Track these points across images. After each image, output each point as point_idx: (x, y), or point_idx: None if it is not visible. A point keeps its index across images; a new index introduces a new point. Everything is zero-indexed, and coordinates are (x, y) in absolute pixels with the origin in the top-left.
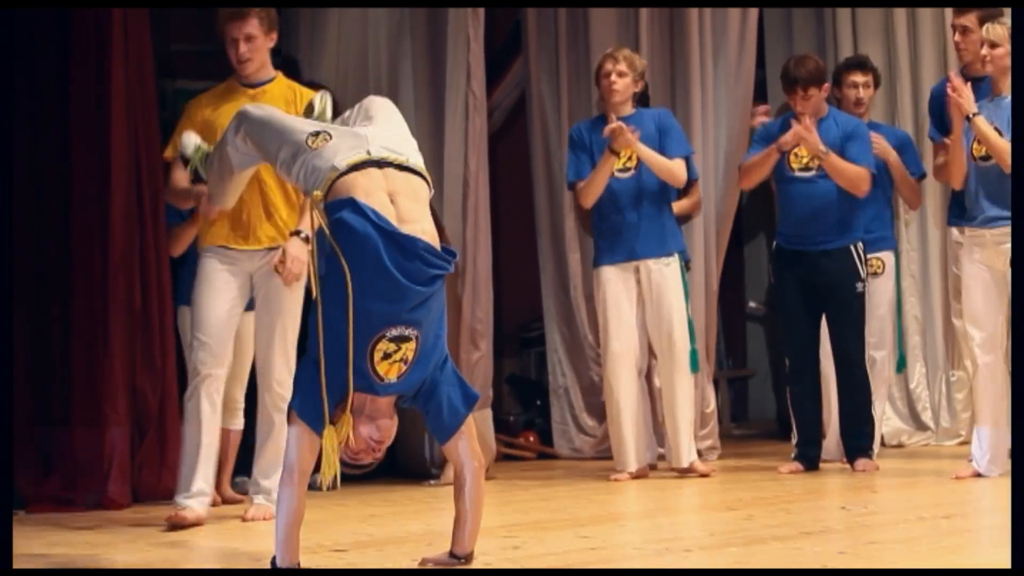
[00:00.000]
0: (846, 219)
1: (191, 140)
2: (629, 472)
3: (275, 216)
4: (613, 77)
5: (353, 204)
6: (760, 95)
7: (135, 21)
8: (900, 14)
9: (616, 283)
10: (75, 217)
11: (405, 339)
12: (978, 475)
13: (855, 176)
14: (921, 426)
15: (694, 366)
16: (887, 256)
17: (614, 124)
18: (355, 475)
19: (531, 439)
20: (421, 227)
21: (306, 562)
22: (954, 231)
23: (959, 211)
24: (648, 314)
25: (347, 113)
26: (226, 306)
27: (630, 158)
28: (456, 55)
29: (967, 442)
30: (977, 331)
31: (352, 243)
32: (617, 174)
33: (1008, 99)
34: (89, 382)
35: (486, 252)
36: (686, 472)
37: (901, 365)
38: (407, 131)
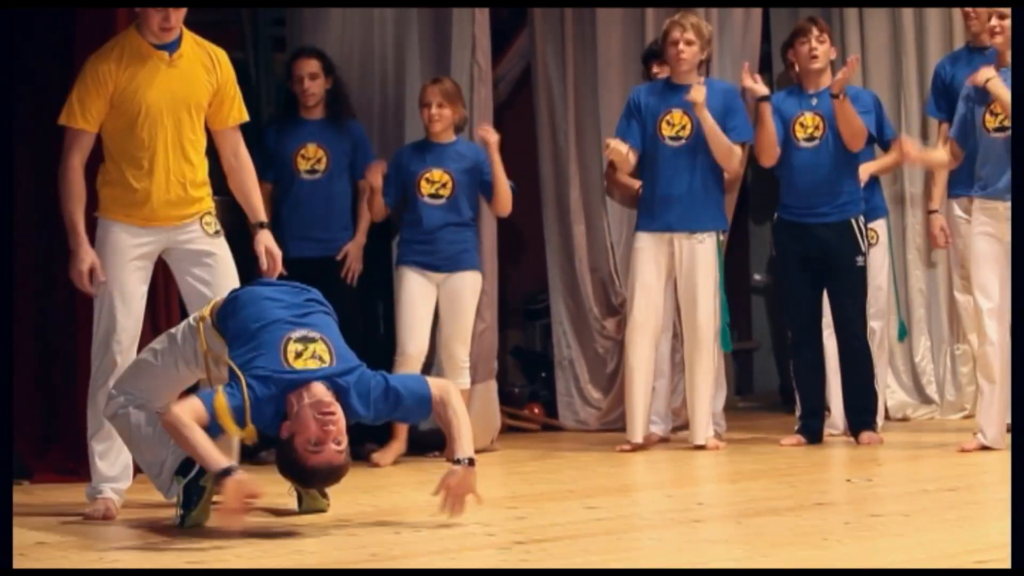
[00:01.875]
0: (847, 191)
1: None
2: (634, 443)
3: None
4: (681, 46)
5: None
6: (765, 70)
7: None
8: None
9: (648, 252)
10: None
11: (311, 340)
12: (983, 448)
13: (859, 129)
14: (926, 399)
15: (726, 344)
16: (880, 225)
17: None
18: (340, 469)
19: (536, 411)
20: None
21: (319, 533)
22: (955, 204)
23: (966, 182)
24: (680, 288)
25: None
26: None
27: (684, 127)
28: (461, 26)
29: (971, 415)
30: (987, 301)
31: (237, 306)
32: (668, 141)
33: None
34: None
35: (491, 224)
36: (700, 448)
37: (902, 333)
38: None
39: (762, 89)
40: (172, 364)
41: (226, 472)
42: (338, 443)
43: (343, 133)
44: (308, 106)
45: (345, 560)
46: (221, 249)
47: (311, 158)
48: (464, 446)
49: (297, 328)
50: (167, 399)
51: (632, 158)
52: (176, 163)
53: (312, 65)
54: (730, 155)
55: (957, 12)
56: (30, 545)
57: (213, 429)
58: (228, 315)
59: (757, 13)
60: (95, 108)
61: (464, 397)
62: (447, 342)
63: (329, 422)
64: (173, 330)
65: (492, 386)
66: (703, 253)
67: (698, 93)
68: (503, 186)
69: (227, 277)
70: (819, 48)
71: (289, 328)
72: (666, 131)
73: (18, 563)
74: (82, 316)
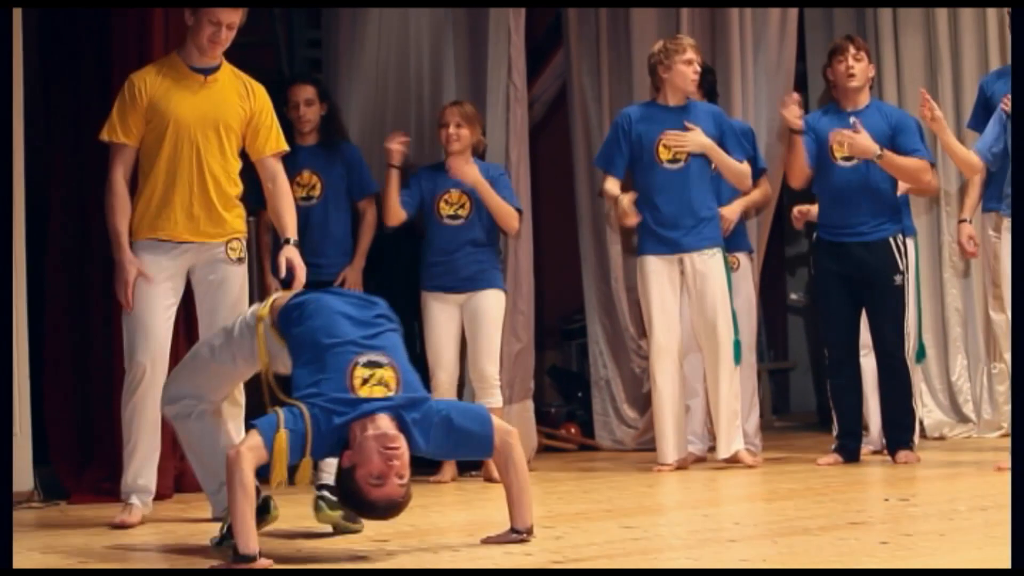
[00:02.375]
0: (886, 210)
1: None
2: (668, 464)
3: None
4: (695, 66)
5: (293, 299)
6: (801, 88)
7: (176, 18)
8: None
9: (659, 274)
10: None
11: (379, 365)
12: None
13: (915, 169)
14: (963, 418)
15: (737, 358)
16: (909, 244)
17: (676, 137)
18: (401, 504)
19: (572, 431)
20: None
21: (345, 549)
22: (987, 221)
23: (996, 197)
24: (692, 306)
25: None
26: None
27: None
28: (497, 47)
29: (1008, 434)
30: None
31: (304, 316)
32: (666, 165)
33: None
34: None
35: (527, 243)
36: (732, 463)
37: (921, 355)
38: None
39: (796, 123)
40: (229, 359)
41: (247, 559)
42: (400, 477)
43: (336, 157)
44: (303, 132)
45: None
46: (237, 277)
47: (305, 185)
48: (524, 515)
49: (365, 352)
50: (227, 391)
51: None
52: (201, 180)
53: (307, 92)
54: (741, 178)
55: (992, 28)
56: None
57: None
58: (293, 322)
59: (792, 30)
60: (133, 122)
61: (497, 415)
62: (475, 361)
63: (393, 456)
64: (229, 325)
65: (529, 406)
66: (714, 267)
67: (698, 136)
68: (498, 208)
69: (232, 307)
70: (856, 66)
71: (357, 352)
72: (664, 155)
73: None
74: (118, 335)
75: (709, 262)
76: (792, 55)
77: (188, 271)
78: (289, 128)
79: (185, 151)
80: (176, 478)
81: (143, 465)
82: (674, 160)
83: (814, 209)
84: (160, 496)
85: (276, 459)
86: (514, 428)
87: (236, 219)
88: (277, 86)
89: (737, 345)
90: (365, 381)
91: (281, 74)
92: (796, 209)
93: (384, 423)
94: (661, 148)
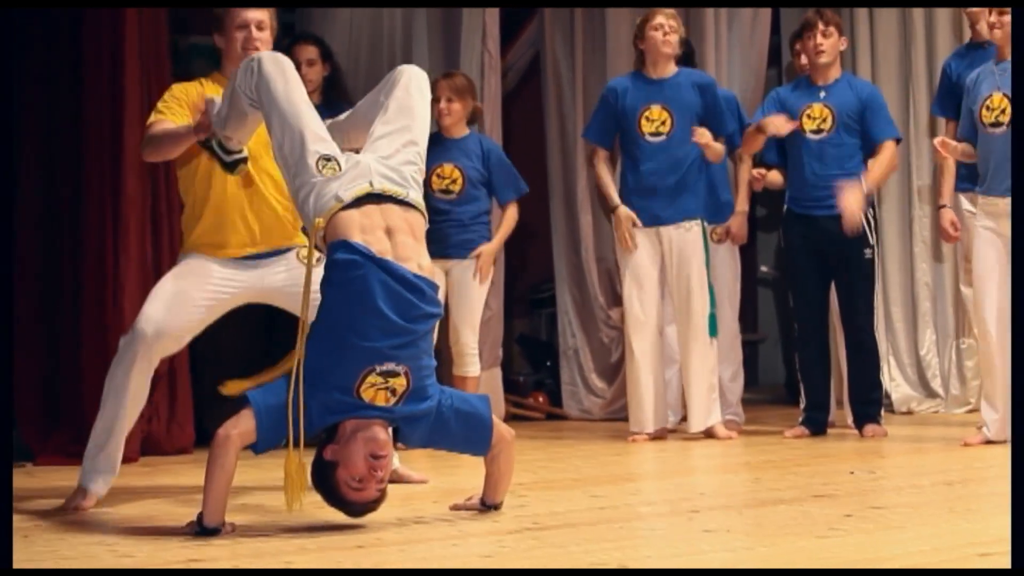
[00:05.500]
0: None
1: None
2: (647, 433)
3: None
4: (669, 32)
5: (348, 246)
6: (774, 61)
7: (149, 16)
8: None
9: (639, 246)
10: (88, 168)
11: (394, 375)
12: (987, 442)
13: (891, 164)
14: (931, 393)
15: (712, 330)
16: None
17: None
18: (376, 504)
19: (540, 400)
20: (418, 263)
21: (320, 515)
22: (963, 197)
23: (970, 177)
24: (669, 278)
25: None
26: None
27: (663, 122)
28: (471, 15)
29: (976, 409)
30: (987, 297)
31: (346, 283)
32: (649, 137)
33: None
34: (99, 334)
35: (497, 213)
36: (707, 436)
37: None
38: (422, 125)
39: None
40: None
41: (212, 532)
42: (380, 481)
43: None
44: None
45: (343, 545)
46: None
47: None
48: (497, 494)
49: (386, 362)
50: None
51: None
52: (247, 197)
53: (310, 51)
54: (720, 158)
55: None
56: (30, 527)
57: (261, 445)
58: (331, 275)
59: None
60: (178, 110)
61: (472, 385)
62: (457, 329)
63: (379, 467)
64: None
65: (497, 374)
66: (691, 241)
67: (701, 136)
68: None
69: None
70: (825, 42)
71: (378, 361)
72: (646, 127)
73: (20, 544)
74: (87, 299)
75: (686, 235)
76: (766, 28)
77: (255, 297)
78: None
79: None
80: (143, 440)
81: (117, 447)
82: (656, 133)
83: (770, 174)
84: (126, 459)
85: (290, 485)
86: (511, 432)
87: (292, 235)
88: None
89: (712, 319)
90: (373, 385)
91: None
92: (755, 171)
93: (377, 430)
94: (644, 120)
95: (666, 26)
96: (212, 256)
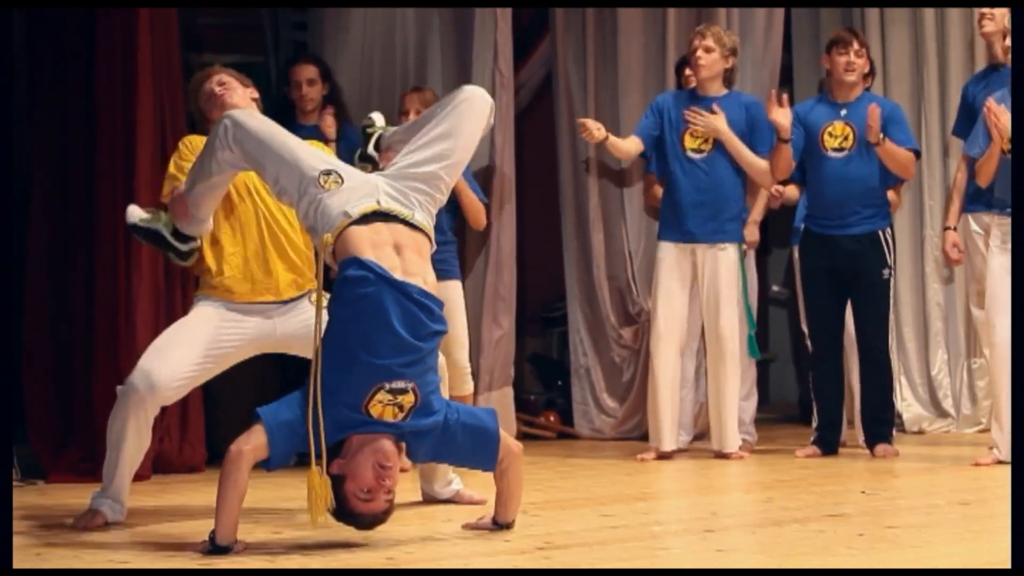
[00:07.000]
0: (875, 203)
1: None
2: (660, 450)
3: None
4: (699, 53)
5: (360, 263)
6: (786, 81)
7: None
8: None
9: (670, 261)
10: (100, 187)
11: (402, 392)
12: (999, 462)
13: (907, 161)
14: (942, 413)
15: (753, 351)
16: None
17: (696, 116)
18: (385, 516)
19: (552, 419)
20: (424, 280)
21: (331, 534)
22: (971, 218)
23: (984, 198)
24: (702, 299)
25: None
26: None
27: (706, 140)
28: (484, 33)
29: (987, 429)
30: (1002, 316)
31: (357, 299)
32: (690, 154)
33: None
34: (110, 353)
35: (510, 230)
36: (716, 456)
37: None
38: (462, 151)
39: (784, 134)
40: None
41: (224, 550)
42: (388, 491)
43: (339, 138)
44: (305, 111)
45: (358, 562)
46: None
47: None
48: (509, 512)
49: (396, 380)
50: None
51: (634, 148)
52: (259, 241)
53: (310, 71)
54: (763, 175)
55: (977, 27)
56: (42, 546)
57: (273, 462)
58: (342, 292)
59: (779, 22)
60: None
61: (468, 401)
62: (448, 353)
63: (387, 477)
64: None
65: (508, 393)
66: (725, 262)
67: (718, 121)
68: (469, 204)
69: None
70: (857, 62)
71: (388, 379)
72: (689, 143)
73: (33, 562)
74: (98, 316)
75: (719, 255)
76: (778, 47)
77: (268, 344)
78: (291, 107)
79: (243, 212)
80: (155, 459)
81: (122, 487)
82: (698, 150)
83: (787, 190)
84: (138, 477)
85: (314, 499)
86: (519, 445)
87: (303, 281)
88: (262, 68)
89: (751, 339)
90: (380, 402)
91: (266, 56)
92: (774, 188)
93: (386, 443)
94: (687, 137)
95: (702, 47)
96: (228, 301)
